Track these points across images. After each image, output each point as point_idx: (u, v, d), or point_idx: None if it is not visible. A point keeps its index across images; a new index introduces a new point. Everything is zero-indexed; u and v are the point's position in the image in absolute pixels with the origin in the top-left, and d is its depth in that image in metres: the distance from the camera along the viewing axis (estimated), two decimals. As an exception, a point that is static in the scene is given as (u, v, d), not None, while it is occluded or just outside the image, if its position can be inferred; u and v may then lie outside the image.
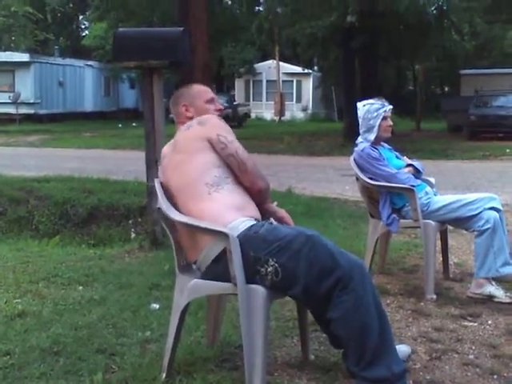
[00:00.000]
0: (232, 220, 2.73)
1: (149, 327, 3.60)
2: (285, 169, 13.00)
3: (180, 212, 2.84)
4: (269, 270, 2.59)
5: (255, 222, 2.76)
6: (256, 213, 2.89)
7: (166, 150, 3.07)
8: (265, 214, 3.01)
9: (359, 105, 4.59)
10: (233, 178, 2.89)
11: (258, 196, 2.98)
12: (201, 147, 2.88)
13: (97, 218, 8.62)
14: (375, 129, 4.51)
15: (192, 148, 2.89)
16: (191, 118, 3.08)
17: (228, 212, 2.76)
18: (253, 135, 20.47)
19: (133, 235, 7.97)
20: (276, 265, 2.58)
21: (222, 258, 2.65)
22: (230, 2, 31.03)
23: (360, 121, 4.55)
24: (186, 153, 2.89)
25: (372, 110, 4.49)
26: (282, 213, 3.10)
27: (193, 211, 2.79)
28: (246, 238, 2.64)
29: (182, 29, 5.36)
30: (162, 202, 2.86)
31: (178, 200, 2.88)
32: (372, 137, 4.52)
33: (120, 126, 28.99)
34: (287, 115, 36.40)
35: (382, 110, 4.50)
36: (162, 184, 2.99)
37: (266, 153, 15.62)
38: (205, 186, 2.81)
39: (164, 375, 2.90)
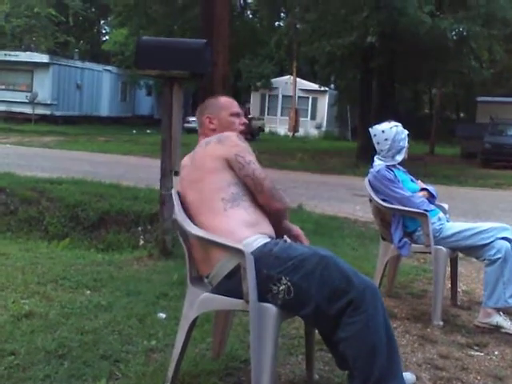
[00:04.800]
0: (246, 237, 2.73)
1: (154, 336, 3.60)
2: (296, 185, 12.99)
3: (194, 224, 2.85)
4: (281, 288, 2.58)
5: (269, 240, 2.76)
6: (270, 230, 2.88)
7: (186, 161, 3.05)
8: (280, 231, 3.01)
9: (384, 126, 4.52)
10: (249, 197, 2.89)
11: (275, 216, 2.98)
12: (217, 167, 2.86)
13: (107, 223, 8.62)
14: (404, 150, 4.53)
15: (209, 167, 2.87)
16: (214, 130, 3.08)
17: (242, 228, 2.76)
18: (266, 149, 20.46)
19: (141, 242, 7.97)
20: (289, 283, 2.57)
21: (235, 275, 2.64)
22: (250, 16, 31.26)
23: (389, 143, 4.48)
24: (203, 171, 2.88)
25: (400, 131, 4.50)
26: (298, 231, 3.10)
27: (206, 225, 2.79)
28: (259, 256, 2.63)
29: (205, 41, 5.40)
30: (178, 214, 2.86)
31: (193, 213, 2.88)
32: (400, 158, 4.54)
33: (134, 131, 29.11)
34: (301, 131, 36.44)
35: (406, 132, 4.52)
36: (179, 194, 2.99)
37: (278, 168, 15.62)
38: (221, 201, 2.80)
39: (168, 386, 2.90)
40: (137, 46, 5.41)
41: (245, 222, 2.79)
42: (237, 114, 3.15)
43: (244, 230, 2.76)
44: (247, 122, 3.23)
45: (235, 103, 3.21)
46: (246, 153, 2.92)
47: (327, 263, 2.58)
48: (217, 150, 2.89)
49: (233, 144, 2.92)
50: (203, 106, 3.19)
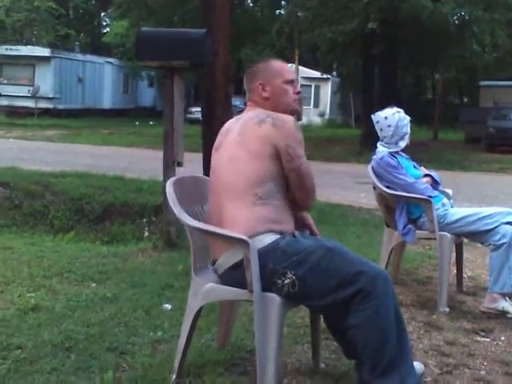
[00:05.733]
0: (261, 233, 2.68)
1: (160, 327, 3.60)
2: (300, 173, 12.96)
3: (213, 205, 2.84)
4: (286, 282, 2.57)
5: (280, 236, 2.71)
6: (290, 227, 2.81)
7: (233, 125, 2.90)
8: (297, 219, 2.97)
9: (387, 113, 4.51)
10: (283, 193, 2.80)
11: (301, 210, 2.98)
12: (264, 153, 2.72)
13: (111, 216, 8.65)
14: (407, 136, 4.51)
15: (257, 150, 2.73)
16: (267, 99, 2.93)
17: (261, 224, 2.69)
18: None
19: (146, 234, 7.99)
20: (294, 277, 2.56)
21: (241, 266, 2.62)
22: (251, 5, 31.16)
23: (392, 129, 4.46)
24: (249, 152, 2.74)
25: (403, 117, 4.48)
26: (310, 220, 3.10)
27: (226, 211, 2.74)
28: (267, 250, 2.62)
29: (204, 30, 5.38)
30: (174, 207, 2.79)
31: (219, 191, 2.81)
32: (404, 144, 4.52)
33: (137, 123, 29.08)
34: (304, 120, 36.26)
35: (408, 118, 4.51)
36: (212, 160, 2.89)
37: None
38: (254, 196, 2.70)
39: (174, 376, 2.90)
40: (137, 38, 5.41)
41: (267, 219, 2.71)
42: (291, 82, 2.99)
43: (262, 226, 2.70)
44: (301, 90, 3.08)
45: (289, 69, 3.06)
46: (297, 144, 2.78)
47: (333, 254, 2.57)
48: (269, 133, 2.73)
49: (288, 132, 2.76)
50: (253, 71, 3.02)
